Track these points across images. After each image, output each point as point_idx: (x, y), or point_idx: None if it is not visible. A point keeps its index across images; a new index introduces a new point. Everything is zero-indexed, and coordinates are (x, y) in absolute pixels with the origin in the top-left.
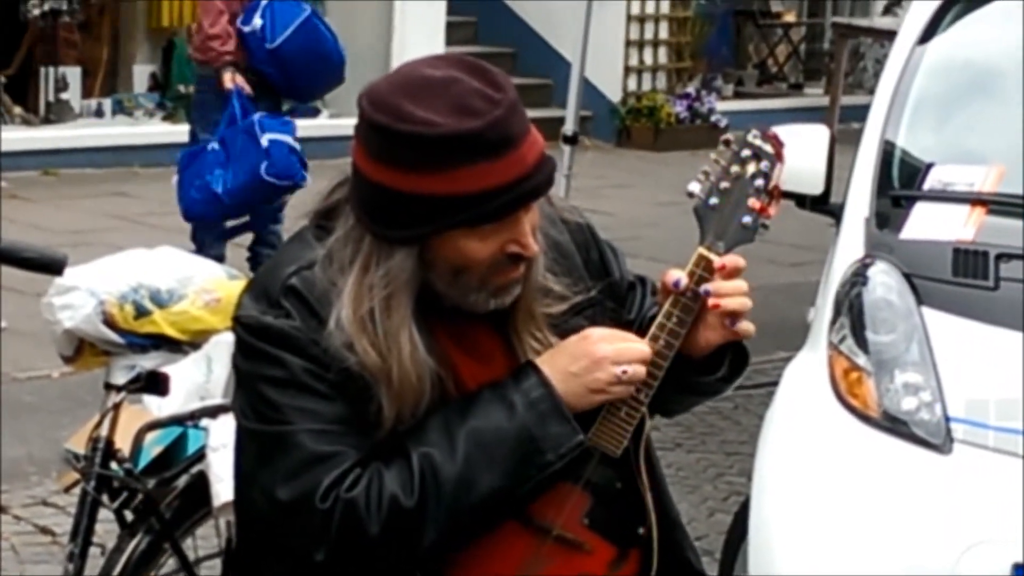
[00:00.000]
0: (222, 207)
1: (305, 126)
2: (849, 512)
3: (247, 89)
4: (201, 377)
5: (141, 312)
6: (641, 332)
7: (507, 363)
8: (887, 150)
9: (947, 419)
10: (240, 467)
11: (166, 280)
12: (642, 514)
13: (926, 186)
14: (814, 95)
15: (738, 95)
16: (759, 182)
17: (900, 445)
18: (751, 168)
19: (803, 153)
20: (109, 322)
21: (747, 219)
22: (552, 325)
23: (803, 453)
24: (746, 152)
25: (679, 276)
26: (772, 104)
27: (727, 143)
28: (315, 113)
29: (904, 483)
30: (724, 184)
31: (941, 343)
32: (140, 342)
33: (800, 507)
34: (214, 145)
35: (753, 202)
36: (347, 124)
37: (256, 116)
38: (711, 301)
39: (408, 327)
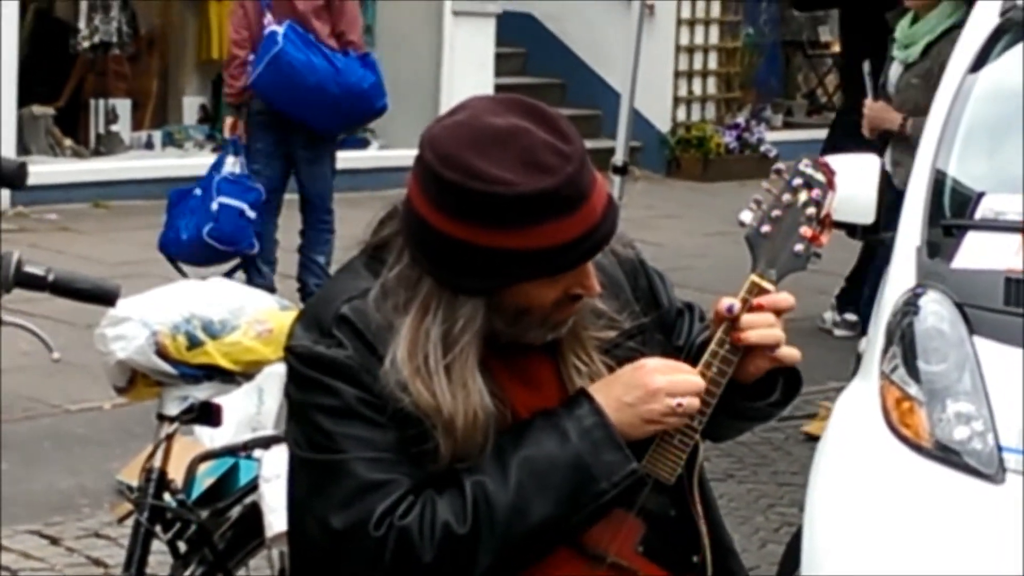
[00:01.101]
0: (182, 253)
1: (354, 157)
2: (901, 542)
3: (243, 139)
4: (253, 408)
5: (194, 343)
6: (690, 359)
7: (559, 389)
8: (938, 179)
9: (999, 448)
10: (293, 496)
11: (218, 311)
12: (696, 542)
13: (977, 215)
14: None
15: (787, 125)
16: (811, 210)
17: (952, 475)
18: (803, 196)
19: (853, 182)
20: (162, 353)
21: (799, 247)
22: (601, 350)
23: (855, 483)
24: (798, 181)
25: (732, 303)
26: (822, 134)
27: (779, 172)
28: (364, 144)
29: (957, 513)
30: (776, 212)
31: (993, 372)
32: (193, 373)
33: (852, 538)
34: (197, 191)
35: (805, 230)
36: (396, 156)
37: (218, 176)
38: (733, 335)
39: (475, 376)
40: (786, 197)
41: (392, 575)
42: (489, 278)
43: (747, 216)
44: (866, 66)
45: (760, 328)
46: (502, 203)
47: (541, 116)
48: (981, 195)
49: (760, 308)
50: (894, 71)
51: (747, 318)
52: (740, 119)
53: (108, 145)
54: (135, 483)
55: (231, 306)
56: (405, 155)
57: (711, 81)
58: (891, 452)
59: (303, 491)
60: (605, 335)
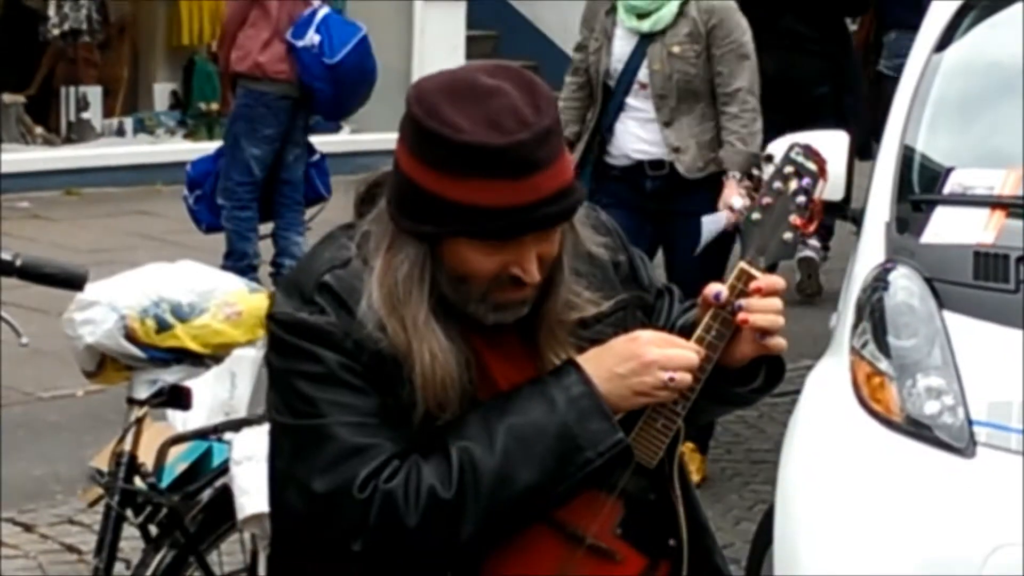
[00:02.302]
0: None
1: (326, 142)
2: (873, 517)
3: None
4: (225, 393)
5: (163, 326)
6: None
7: (536, 367)
8: (906, 155)
9: (970, 423)
10: (275, 465)
11: (187, 294)
12: (673, 526)
13: (946, 190)
14: None
15: None
16: (800, 199)
17: (923, 449)
18: (793, 184)
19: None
20: (131, 337)
21: (788, 235)
22: (581, 331)
23: (826, 459)
24: (788, 168)
25: (720, 289)
26: None
27: (769, 158)
28: (336, 128)
29: (928, 487)
30: (766, 200)
31: (963, 347)
32: (162, 356)
33: (824, 512)
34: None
35: (794, 219)
36: (368, 140)
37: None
38: (740, 316)
39: (425, 314)
40: (776, 185)
41: (376, 538)
42: (424, 222)
43: (738, 203)
44: None
45: (768, 313)
46: (446, 146)
47: (528, 87)
48: (950, 170)
49: (759, 292)
50: (624, 47)
51: (753, 302)
52: None
53: (79, 132)
54: (107, 469)
55: (200, 289)
56: (377, 139)
57: None
58: (862, 427)
59: (285, 458)
60: (581, 315)
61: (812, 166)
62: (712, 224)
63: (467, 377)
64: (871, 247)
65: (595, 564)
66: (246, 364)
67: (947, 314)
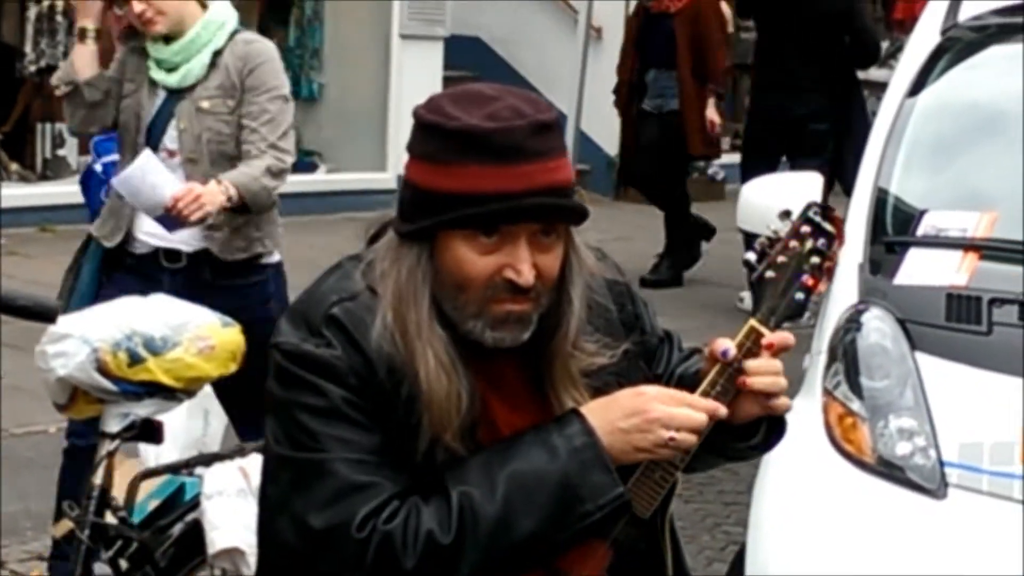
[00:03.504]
0: None
1: (302, 181)
2: (845, 558)
3: None
4: (199, 431)
5: (135, 359)
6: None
7: (538, 411)
8: (880, 197)
9: (941, 464)
10: (268, 495)
11: (160, 327)
12: (659, 575)
13: (919, 232)
14: None
15: (735, 147)
16: (815, 259)
17: (895, 490)
18: (809, 244)
19: (797, 199)
20: (103, 370)
21: (800, 296)
22: (585, 375)
23: (798, 499)
24: (805, 228)
25: (728, 346)
26: None
27: (786, 214)
28: (312, 168)
29: (899, 528)
30: (781, 258)
31: (935, 388)
32: (134, 390)
33: (796, 553)
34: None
35: (807, 279)
36: (344, 179)
37: None
38: (740, 379)
39: (428, 315)
40: (792, 244)
41: None
42: (419, 219)
43: (752, 257)
44: None
45: (767, 376)
46: (440, 134)
47: (530, 98)
48: (923, 212)
49: (770, 348)
50: (152, 103)
51: (754, 363)
52: None
53: (55, 169)
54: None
55: (172, 322)
56: (353, 179)
57: None
58: (834, 468)
59: (281, 490)
60: (592, 361)
61: (830, 228)
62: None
63: (470, 403)
64: (844, 288)
65: None
66: (219, 402)
67: (919, 355)
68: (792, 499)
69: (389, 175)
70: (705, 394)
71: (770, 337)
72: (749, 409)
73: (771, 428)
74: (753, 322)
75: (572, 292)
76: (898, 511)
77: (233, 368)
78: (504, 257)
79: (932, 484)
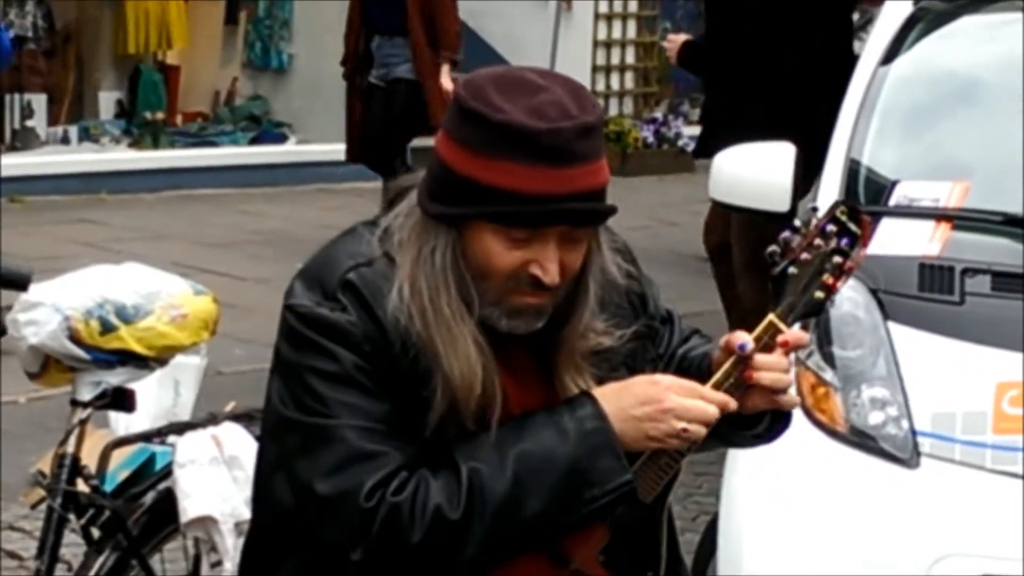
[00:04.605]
0: None
1: (271, 152)
2: (817, 527)
3: None
4: (169, 401)
5: (107, 328)
6: (667, 369)
7: (546, 392)
8: (852, 168)
9: (914, 433)
10: (267, 454)
11: (132, 296)
12: (654, 558)
13: (892, 202)
14: None
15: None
16: (837, 259)
17: (867, 460)
18: (833, 243)
19: (769, 170)
20: (75, 338)
21: (819, 294)
22: (595, 368)
23: (771, 469)
24: (831, 227)
25: (746, 340)
26: None
27: (814, 211)
28: (282, 139)
29: (872, 497)
30: (805, 255)
31: (907, 358)
32: (106, 358)
33: (769, 523)
34: None
35: (827, 278)
36: (314, 151)
37: None
38: (747, 372)
39: (456, 307)
40: (817, 242)
41: (377, 549)
42: (453, 205)
43: (776, 252)
44: None
45: (774, 371)
46: (484, 125)
47: (575, 91)
48: (895, 183)
49: (786, 345)
50: None
51: (762, 359)
52: (658, 114)
53: (24, 140)
54: (49, 471)
55: (145, 291)
56: (322, 150)
57: (629, 76)
58: (807, 438)
59: (284, 451)
60: (600, 341)
61: (856, 229)
62: None
63: (490, 382)
64: None
65: None
66: (190, 372)
67: (892, 325)
68: (764, 469)
69: None
70: (718, 385)
71: (786, 335)
72: (757, 402)
73: (775, 420)
74: (772, 317)
75: (589, 284)
76: (870, 480)
77: (206, 337)
78: (532, 253)
79: (904, 454)
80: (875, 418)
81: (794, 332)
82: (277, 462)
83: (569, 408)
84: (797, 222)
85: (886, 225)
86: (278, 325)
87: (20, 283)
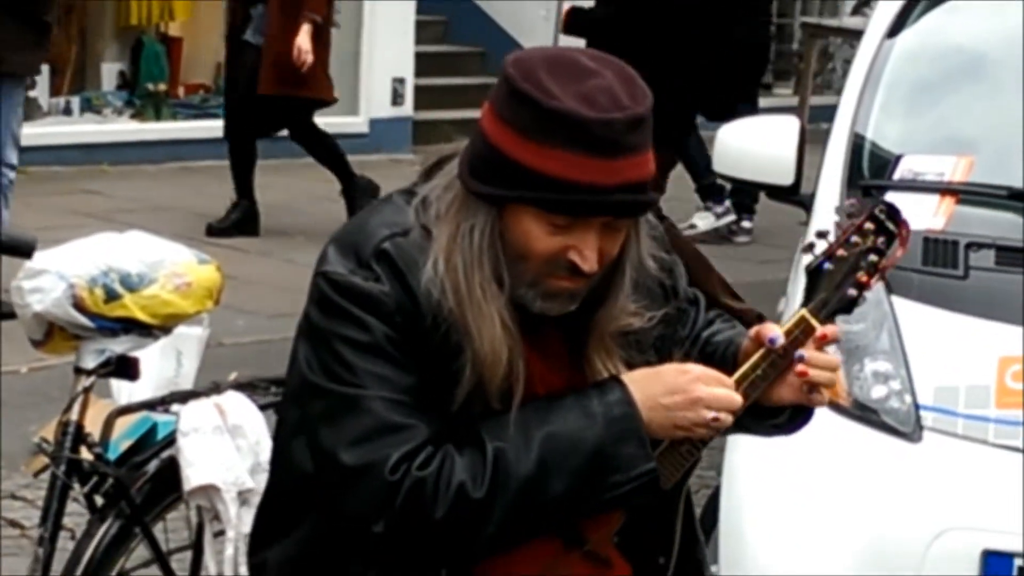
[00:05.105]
0: None
1: None
2: (819, 500)
3: None
4: (171, 371)
5: (111, 296)
6: (689, 355)
7: (574, 373)
8: (857, 142)
9: (917, 407)
10: (289, 418)
11: (136, 264)
12: (667, 545)
13: (896, 176)
14: (783, 95)
15: None
16: (872, 257)
17: (870, 433)
18: (869, 242)
19: (773, 143)
20: (79, 306)
21: (852, 292)
22: (625, 353)
23: (772, 443)
24: (869, 225)
25: (778, 334)
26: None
27: (852, 207)
28: None
29: (874, 471)
30: (841, 252)
31: (911, 331)
32: (110, 326)
33: (770, 496)
34: None
35: (862, 276)
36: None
37: None
38: (799, 367)
39: (491, 287)
40: (854, 239)
41: (399, 523)
42: (497, 186)
43: (811, 245)
44: None
45: (826, 371)
46: (536, 109)
47: (628, 78)
48: (900, 157)
49: (824, 339)
50: None
51: (817, 357)
52: None
53: (26, 111)
54: (52, 439)
55: (149, 259)
56: (325, 122)
57: None
58: None
59: (307, 417)
60: (630, 322)
61: (893, 228)
62: None
63: (515, 363)
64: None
65: (586, 568)
66: (192, 343)
67: (896, 299)
68: (766, 443)
69: (361, 118)
70: (745, 375)
71: (825, 330)
72: (785, 395)
73: (796, 411)
74: (804, 312)
75: (626, 269)
76: (873, 454)
77: (210, 305)
78: (572, 239)
79: (907, 427)
80: (878, 392)
81: (832, 327)
82: (298, 426)
83: (598, 392)
84: (835, 217)
85: (890, 199)
86: (309, 290)
87: (24, 250)
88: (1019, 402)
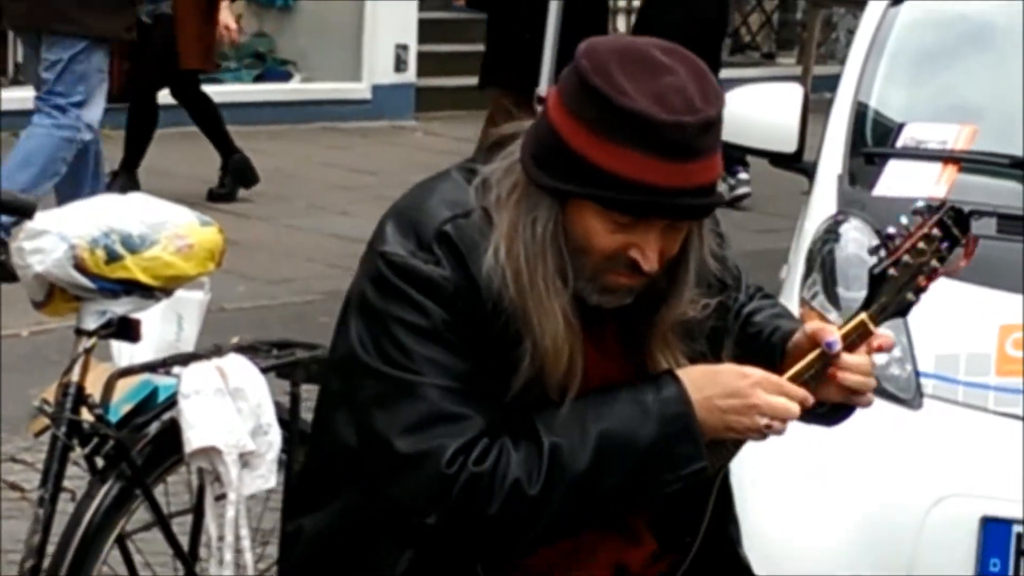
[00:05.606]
0: None
1: (276, 90)
2: (819, 467)
3: None
4: (172, 335)
5: (112, 257)
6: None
7: (629, 365)
8: (860, 110)
9: (917, 374)
10: (332, 388)
11: (138, 225)
12: (696, 524)
13: (899, 144)
14: (787, 64)
15: None
16: (935, 263)
17: None
18: (934, 247)
19: (776, 111)
20: (80, 267)
21: (911, 296)
22: (686, 347)
23: None
24: (936, 231)
25: (835, 339)
26: (745, 73)
27: (919, 212)
28: (287, 77)
29: (874, 438)
30: (907, 258)
31: None
32: (111, 287)
33: (770, 463)
34: None
35: (922, 280)
36: (318, 89)
37: None
38: (831, 370)
39: (555, 281)
40: (921, 245)
41: (454, 516)
42: (564, 180)
43: (879, 248)
44: None
45: (859, 375)
46: (607, 106)
47: (700, 75)
48: (903, 125)
49: (880, 349)
50: None
51: (850, 360)
52: None
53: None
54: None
55: (150, 220)
56: (326, 88)
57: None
58: None
59: (357, 397)
60: (685, 312)
61: (959, 235)
62: None
63: (576, 359)
64: (823, 199)
65: (616, 540)
66: (193, 307)
67: None
68: None
69: (364, 85)
70: (798, 374)
71: (882, 339)
72: (832, 395)
73: (838, 406)
74: (864, 317)
75: (690, 267)
76: (873, 421)
77: (211, 268)
78: (634, 238)
79: (907, 395)
80: (879, 359)
81: (886, 335)
82: (342, 399)
83: (654, 388)
84: (904, 219)
85: (893, 167)
86: (363, 265)
87: (25, 211)
88: (1019, 370)
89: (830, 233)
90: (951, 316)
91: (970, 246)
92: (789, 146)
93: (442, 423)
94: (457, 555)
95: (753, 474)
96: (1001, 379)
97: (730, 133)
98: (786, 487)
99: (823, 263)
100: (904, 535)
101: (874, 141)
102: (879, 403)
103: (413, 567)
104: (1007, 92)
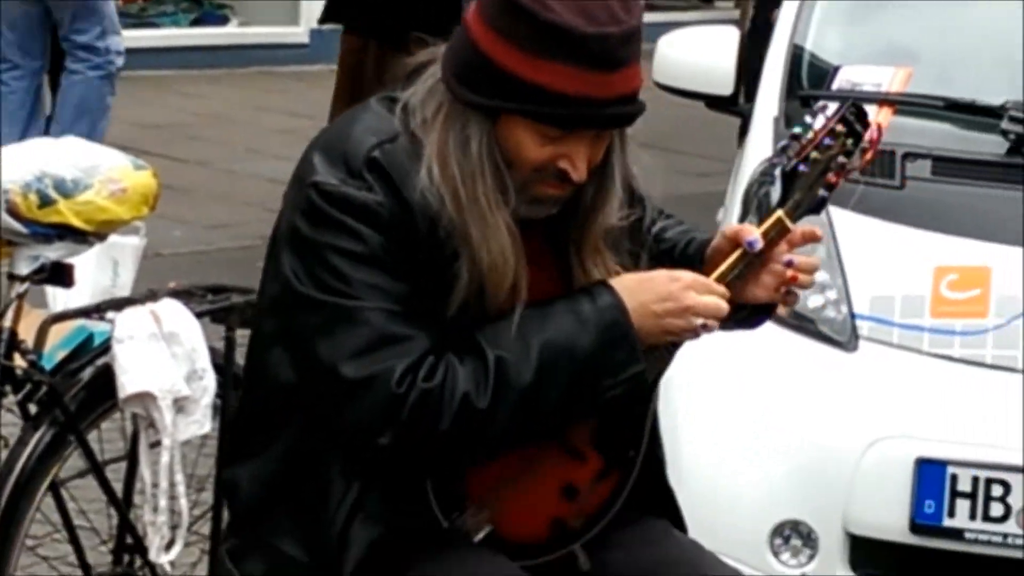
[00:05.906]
0: None
1: (213, 34)
2: (755, 408)
3: None
4: (107, 281)
5: (45, 201)
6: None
7: (561, 275)
8: (796, 53)
9: (853, 317)
10: (265, 328)
11: (71, 169)
12: (637, 438)
13: (834, 86)
14: (725, 8)
15: (650, 7)
16: (842, 159)
17: (806, 343)
18: (840, 143)
19: (712, 53)
20: (13, 211)
21: (823, 192)
22: (614, 254)
23: (708, 350)
24: (840, 127)
25: (756, 237)
26: (682, 17)
27: (823, 111)
28: (224, 21)
29: (810, 380)
30: (815, 154)
31: (847, 241)
32: (44, 232)
33: (706, 404)
34: None
35: (831, 176)
36: (255, 33)
37: None
38: (790, 273)
39: (494, 196)
40: (827, 141)
41: (406, 434)
42: (492, 96)
43: (787, 147)
44: None
45: (811, 275)
46: (532, 22)
47: None
48: (838, 68)
49: (813, 238)
50: None
51: (803, 261)
52: None
53: None
54: None
55: (84, 164)
56: (264, 32)
57: None
58: None
59: (301, 330)
60: (617, 224)
61: (863, 131)
62: None
63: (520, 272)
64: (759, 142)
65: (562, 459)
66: (128, 252)
67: (832, 209)
68: (702, 351)
69: (301, 29)
70: (723, 276)
71: (806, 229)
72: (759, 295)
73: (758, 308)
74: (780, 213)
75: (615, 174)
76: (809, 363)
77: (145, 212)
78: (563, 148)
79: (843, 337)
80: (814, 301)
81: (808, 227)
82: (276, 337)
83: (589, 297)
84: (808, 118)
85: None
86: (290, 199)
87: None
88: (954, 311)
89: (766, 176)
90: (887, 258)
91: (874, 140)
92: (725, 89)
93: (388, 345)
94: (406, 478)
95: (688, 415)
96: (936, 320)
97: (666, 76)
98: (720, 428)
99: (759, 205)
100: (840, 476)
101: (810, 84)
102: (815, 346)
103: (363, 495)
104: (942, 34)
